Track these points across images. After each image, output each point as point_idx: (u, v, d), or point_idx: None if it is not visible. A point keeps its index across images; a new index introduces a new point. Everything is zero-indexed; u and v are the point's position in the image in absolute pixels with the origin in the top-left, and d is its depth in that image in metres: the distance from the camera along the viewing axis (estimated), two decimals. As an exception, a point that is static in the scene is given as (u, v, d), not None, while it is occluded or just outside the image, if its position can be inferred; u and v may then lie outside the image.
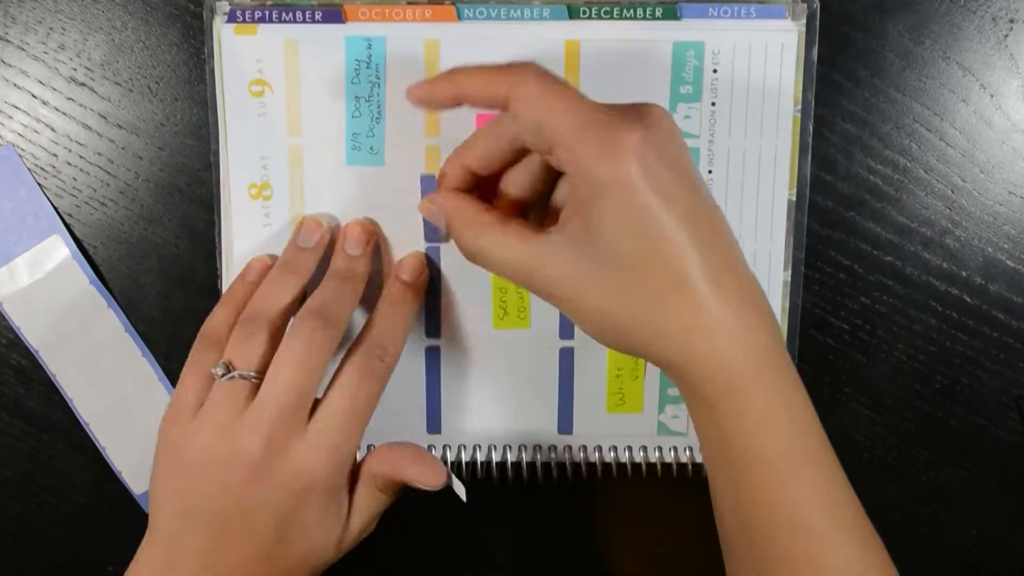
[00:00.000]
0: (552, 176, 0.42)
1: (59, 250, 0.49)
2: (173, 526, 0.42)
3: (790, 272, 0.48)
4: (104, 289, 0.49)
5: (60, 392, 0.50)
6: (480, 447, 0.49)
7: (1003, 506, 0.52)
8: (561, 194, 0.42)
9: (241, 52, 0.45)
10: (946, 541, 0.52)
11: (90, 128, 0.48)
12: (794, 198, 0.47)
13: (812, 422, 0.39)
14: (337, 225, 0.47)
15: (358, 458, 0.44)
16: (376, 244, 0.47)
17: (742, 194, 0.47)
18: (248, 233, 0.47)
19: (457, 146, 0.42)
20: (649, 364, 0.48)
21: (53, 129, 0.48)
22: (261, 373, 0.41)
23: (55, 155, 0.48)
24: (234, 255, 0.47)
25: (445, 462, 0.50)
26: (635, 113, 0.38)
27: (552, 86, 0.37)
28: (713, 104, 0.46)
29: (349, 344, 0.44)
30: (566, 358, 0.49)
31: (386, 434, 0.49)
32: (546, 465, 0.50)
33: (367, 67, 0.45)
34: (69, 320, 0.49)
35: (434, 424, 0.49)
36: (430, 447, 0.49)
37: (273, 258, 0.47)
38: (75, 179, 0.49)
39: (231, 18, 0.45)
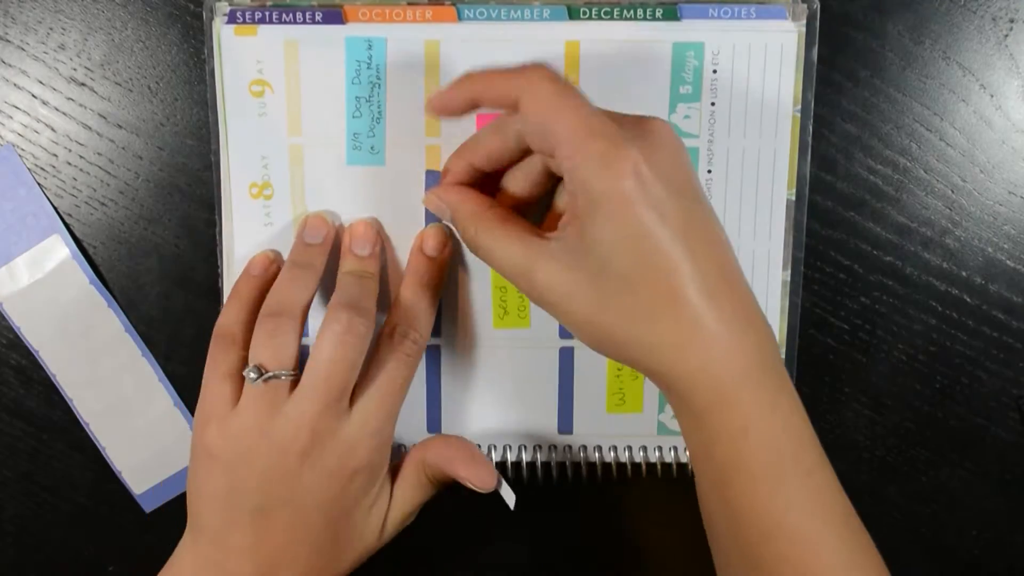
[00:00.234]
0: (552, 179, 0.42)
1: (59, 250, 0.49)
2: (216, 525, 0.42)
3: (789, 272, 0.48)
4: (104, 289, 0.49)
5: (60, 392, 0.50)
6: (480, 447, 0.49)
7: (1003, 506, 0.52)
8: (562, 200, 0.42)
9: (241, 53, 0.45)
10: (946, 541, 0.52)
11: (90, 128, 0.48)
12: (794, 198, 0.47)
13: (803, 431, 0.39)
14: (341, 224, 0.47)
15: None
16: (383, 243, 0.47)
17: (741, 194, 0.47)
18: (249, 233, 0.47)
19: (463, 143, 0.43)
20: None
21: (53, 129, 0.48)
22: (294, 370, 0.42)
23: (55, 155, 0.48)
24: (235, 255, 0.47)
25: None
26: (638, 127, 0.38)
27: (562, 90, 0.38)
28: (713, 104, 0.46)
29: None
30: (566, 358, 0.49)
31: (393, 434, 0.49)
32: (546, 465, 0.50)
33: (367, 67, 0.46)
34: (69, 320, 0.49)
35: (434, 424, 0.49)
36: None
37: (276, 253, 0.47)
38: (75, 179, 0.49)
39: (231, 19, 0.45)
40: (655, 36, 0.45)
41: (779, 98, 0.46)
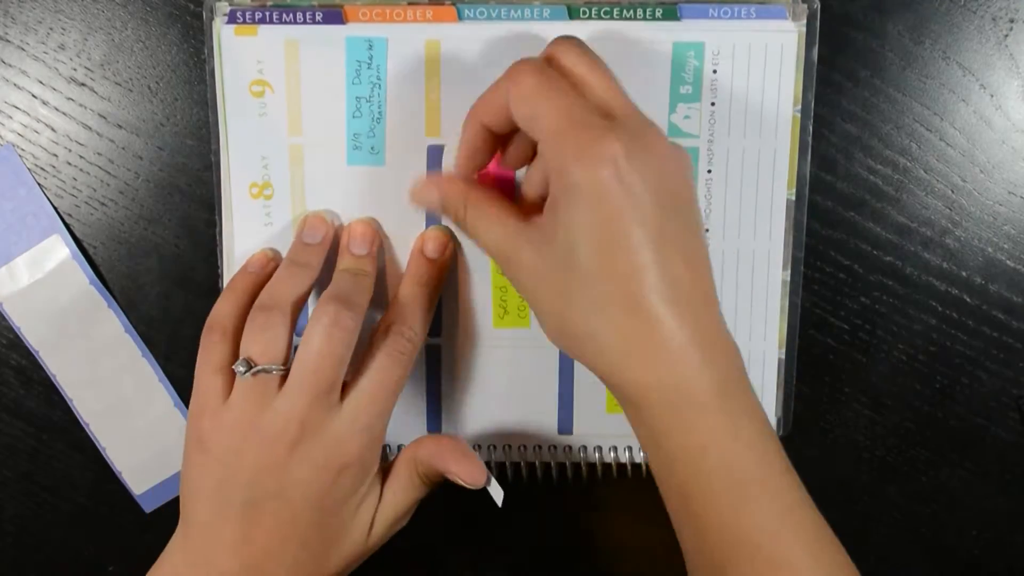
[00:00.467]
0: None
1: (59, 250, 0.49)
2: (206, 520, 0.42)
3: (789, 272, 0.48)
4: (104, 289, 0.49)
5: (60, 392, 0.50)
6: (480, 447, 0.49)
7: (1003, 506, 0.52)
8: (534, 185, 0.43)
9: (241, 53, 0.45)
10: (946, 541, 0.52)
11: (90, 128, 0.48)
12: (793, 198, 0.47)
13: (770, 454, 0.39)
14: (340, 224, 0.47)
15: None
16: (380, 243, 0.47)
17: (741, 194, 0.47)
18: (249, 232, 0.47)
19: (472, 105, 0.42)
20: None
21: (53, 129, 0.48)
22: (283, 364, 0.42)
23: (55, 155, 0.48)
24: (235, 255, 0.47)
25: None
26: (624, 122, 0.38)
27: (547, 82, 0.38)
28: (713, 104, 0.46)
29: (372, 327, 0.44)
30: (566, 358, 0.49)
31: (387, 434, 0.49)
32: (546, 465, 0.50)
33: (368, 68, 0.45)
34: (69, 320, 0.49)
35: (434, 424, 0.49)
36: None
37: (275, 252, 0.47)
38: (75, 179, 0.49)
39: (231, 19, 0.45)
40: (655, 36, 0.45)
41: (779, 98, 0.46)
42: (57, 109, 0.48)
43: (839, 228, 0.49)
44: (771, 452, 0.39)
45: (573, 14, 0.45)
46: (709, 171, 0.47)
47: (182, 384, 0.50)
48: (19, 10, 0.47)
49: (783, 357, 0.48)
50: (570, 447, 0.50)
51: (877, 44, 0.48)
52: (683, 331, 0.37)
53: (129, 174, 0.49)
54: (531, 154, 0.43)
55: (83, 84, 0.48)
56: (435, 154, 0.46)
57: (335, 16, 0.45)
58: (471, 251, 0.47)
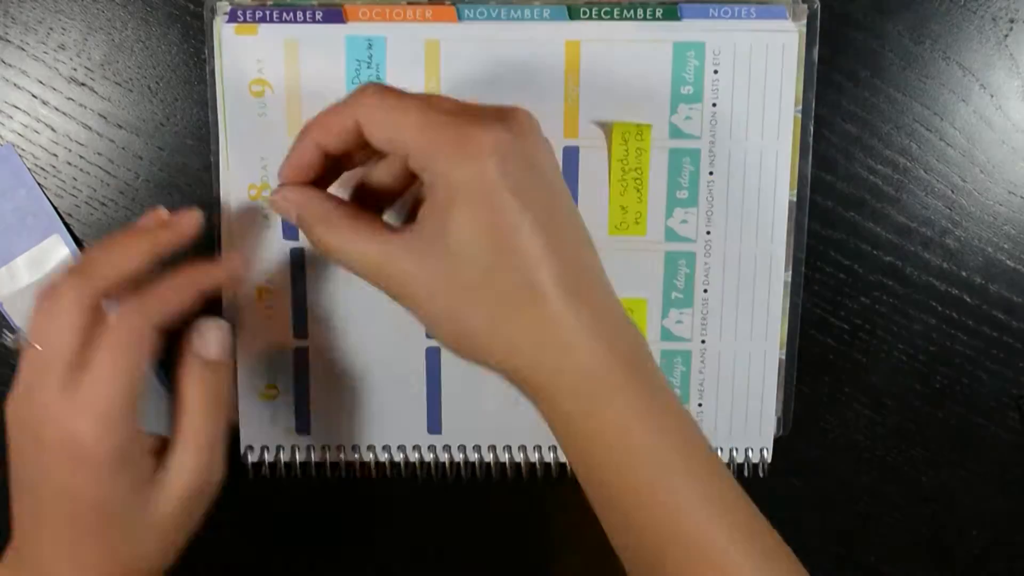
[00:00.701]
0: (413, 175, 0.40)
1: (59, 250, 0.49)
2: (11, 502, 0.41)
3: (791, 273, 0.48)
4: (104, 289, 0.49)
5: (60, 392, 0.50)
6: (481, 447, 0.49)
7: (1003, 506, 0.52)
8: (421, 194, 0.40)
9: (241, 52, 0.45)
10: (946, 541, 0.52)
11: (90, 128, 0.48)
12: (795, 199, 0.47)
13: (679, 430, 0.38)
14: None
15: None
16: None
17: (743, 195, 0.47)
18: (248, 233, 0.47)
19: (309, 121, 0.40)
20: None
21: (53, 129, 0.48)
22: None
23: (55, 155, 0.48)
24: (234, 255, 0.47)
25: (445, 462, 0.50)
26: (495, 114, 0.37)
27: (393, 101, 0.37)
28: (714, 105, 0.46)
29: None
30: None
31: (386, 434, 0.49)
32: (547, 466, 0.50)
33: (367, 67, 0.45)
34: (69, 320, 0.49)
35: (434, 424, 0.49)
36: (430, 447, 0.49)
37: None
38: (75, 179, 0.49)
39: (231, 18, 0.45)
40: (655, 36, 0.45)
41: (780, 99, 0.46)
42: (57, 109, 0.48)
43: (839, 228, 0.49)
44: (685, 430, 0.38)
45: (573, 14, 0.45)
46: (711, 172, 0.46)
47: (182, 384, 0.50)
48: (19, 10, 0.47)
49: (783, 357, 0.48)
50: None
51: (877, 44, 0.48)
52: (587, 316, 0.37)
53: (129, 174, 0.49)
54: (401, 175, 0.41)
55: (83, 84, 0.48)
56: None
57: (335, 15, 0.45)
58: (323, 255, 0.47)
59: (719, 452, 0.49)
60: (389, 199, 0.42)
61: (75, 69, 0.48)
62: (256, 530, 0.52)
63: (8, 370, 0.50)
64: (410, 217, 0.42)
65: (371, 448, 0.49)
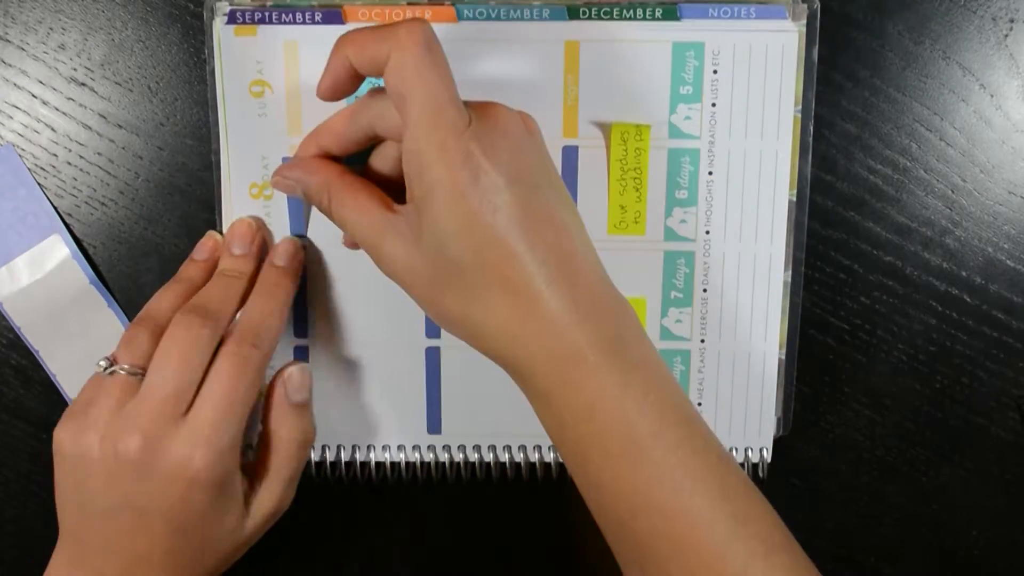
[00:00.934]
0: None
1: (59, 250, 0.49)
2: (75, 523, 0.42)
3: (791, 273, 0.48)
4: (104, 289, 0.49)
5: (60, 392, 0.50)
6: (481, 447, 0.49)
7: (1003, 506, 0.52)
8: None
9: (241, 53, 0.45)
10: (946, 541, 0.52)
11: (90, 128, 0.48)
12: (795, 199, 0.47)
13: (665, 408, 0.38)
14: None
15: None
16: (263, 241, 0.47)
17: (743, 195, 0.47)
18: (248, 233, 0.47)
19: (315, 128, 0.43)
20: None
21: (53, 129, 0.48)
22: (142, 368, 0.41)
23: (55, 155, 0.48)
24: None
25: (445, 462, 0.50)
26: (480, 113, 0.38)
27: (430, 59, 0.37)
28: (713, 105, 0.46)
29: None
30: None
31: (386, 434, 0.49)
32: (547, 466, 0.50)
33: (367, 67, 0.45)
34: (69, 320, 0.49)
35: (434, 424, 0.49)
36: (430, 447, 0.49)
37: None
38: (75, 179, 0.49)
39: (231, 19, 0.45)
40: (655, 36, 0.45)
41: (780, 99, 0.46)
42: (57, 109, 0.48)
43: (839, 228, 0.49)
44: (667, 404, 0.39)
45: (573, 14, 0.45)
46: (710, 172, 0.46)
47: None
48: (19, 10, 0.47)
49: (783, 357, 0.48)
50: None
51: (877, 44, 0.48)
52: (563, 301, 0.38)
53: (129, 174, 0.49)
54: (398, 164, 0.42)
55: (83, 84, 0.48)
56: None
57: (334, 16, 0.45)
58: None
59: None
60: (390, 184, 0.43)
61: (75, 69, 0.48)
62: (256, 530, 0.52)
63: (8, 370, 0.50)
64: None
65: (371, 448, 0.49)
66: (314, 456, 0.49)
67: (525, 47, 0.45)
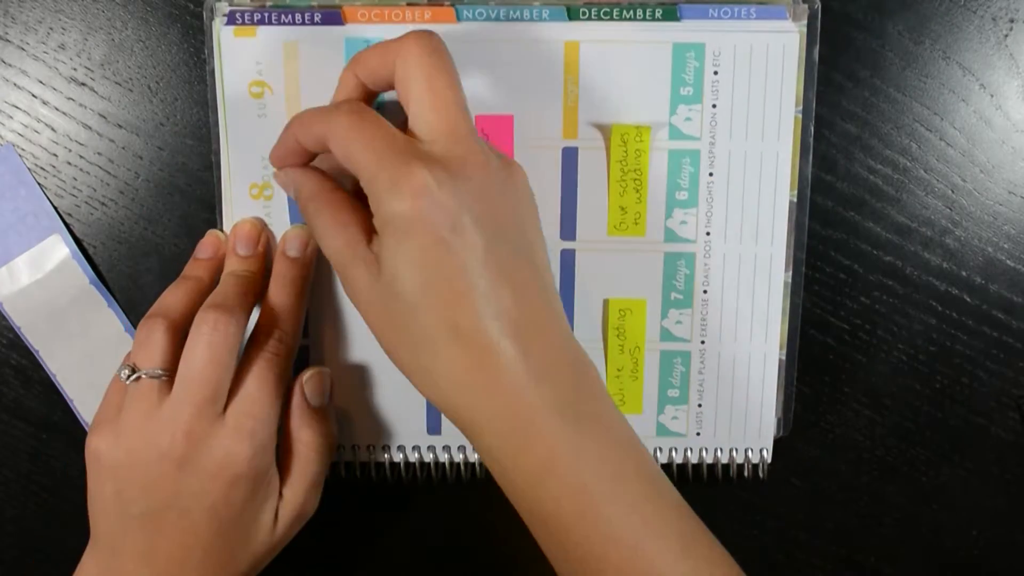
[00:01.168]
0: None
1: (59, 250, 0.49)
2: (111, 531, 0.43)
3: (791, 273, 0.48)
4: (104, 289, 0.49)
5: (60, 392, 0.50)
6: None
7: (1003, 506, 0.52)
8: None
9: (241, 54, 0.45)
10: (946, 541, 0.52)
11: (90, 128, 0.48)
12: (795, 199, 0.47)
13: (621, 468, 0.38)
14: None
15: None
16: (268, 241, 0.47)
17: (743, 196, 0.47)
18: (248, 233, 0.47)
19: (353, 56, 0.42)
20: (648, 365, 0.48)
21: (53, 129, 0.48)
22: (166, 369, 0.42)
23: (55, 155, 0.48)
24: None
25: (445, 462, 0.50)
26: (440, 149, 0.37)
27: (359, 122, 0.38)
28: (714, 106, 0.46)
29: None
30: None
31: (386, 434, 0.49)
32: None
33: (367, 68, 0.45)
34: (69, 320, 0.49)
35: (434, 424, 0.49)
36: (430, 447, 0.49)
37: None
38: (75, 179, 0.49)
39: (231, 20, 0.45)
40: (655, 37, 0.45)
41: (781, 99, 0.46)
42: (57, 109, 0.48)
43: (839, 228, 0.49)
44: (626, 465, 0.38)
45: (573, 15, 0.45)
46: (711, 173, 0.46)
47: (182, 384, 0.50)
48: (19, 10, 0.47)
49: (783, 358, 0.48)
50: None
51: (877, 44, 0.48)
52: (518, 356, 0.37)
53: (129, 174, 0.49)
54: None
55: (83, 84, 0.48)
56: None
57: (334, 17, 0.45)
58: None
59: (719, 453, 0.49)
60: None
61: (75, 69, 0.48)
62: (256, 530, 0.52)
63: (8, 370, 0.50)
64: None
65: (371, 448, 0.49)
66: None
67: (525, 48, 0.45)
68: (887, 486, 0.52)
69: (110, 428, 0.42)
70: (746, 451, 0.49)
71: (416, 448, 0.49)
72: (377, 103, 0.45)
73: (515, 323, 0.37)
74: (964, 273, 0.50)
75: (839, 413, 0.51)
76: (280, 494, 0.44)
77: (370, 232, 0.39)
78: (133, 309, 0.50)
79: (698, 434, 0.49)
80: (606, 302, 0.48)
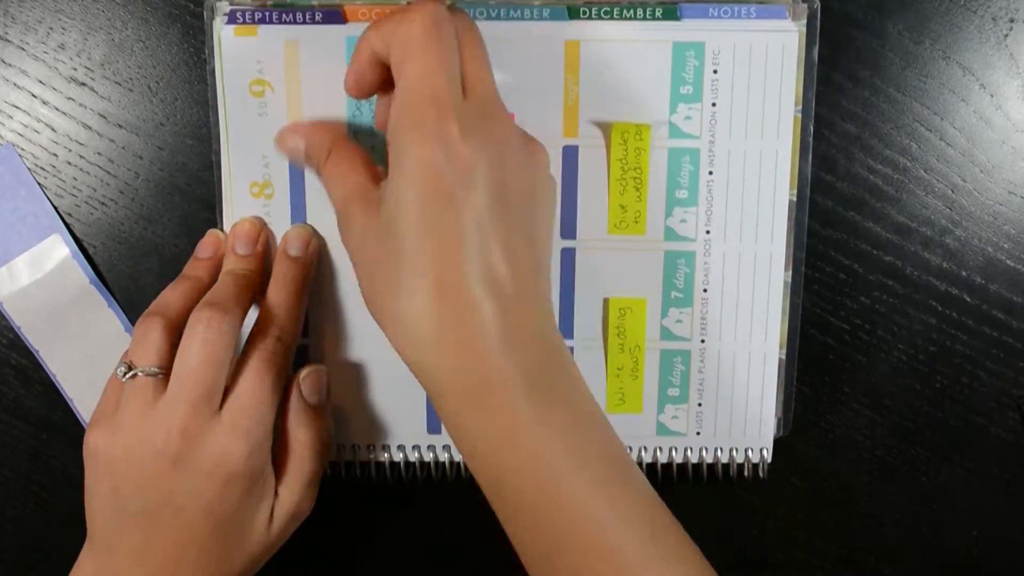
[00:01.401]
0: None
1: (59, 250, 0.49)
2: (107, 528, 0.43)
3: (791, 272, 0.48)
4: (104, 289, 0.49)
5: (60, 392, 0.50)
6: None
7: (1003, 506, 0.52)
8: None
9: (241, 53, 0.45)
10: (946, 541, 0.52)
11: (90, 128, 0.48)
12: (795, 199, 0.47)
13: (587, 445, 0.38)
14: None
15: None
16: (267, 240, 0.47)
17: (743, 195, 0.47)
18: (248, 233, 0.47)
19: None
20: (648, 364, 0.48)
21: (53, 129, 0.48)
22: (162, 367, 0.42)
23: (55, 155, 0.48)
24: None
25: (445, 462, 0.50)
26: (479, 108, 0.37)
27: (436, 34, 0.37)
28: (714, 105, 0.46)
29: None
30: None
31: (386, 434, 0.49)
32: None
33: (367, 67, 0.45)
34: (69, 320, 0.49)
35: (434, 424, 0.49)
36: (430, 447, 0.49)
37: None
38: (75, 179, 0.49)
39: (231, 19, 0.45)
40: (655, 36, 0.45)
41: (780, 98, 0.46)
42: (57, 109, 0.48)
43: (839, 228, 0.49)
44: (591, 442, 0.38)
45: (573, 14, 0.45)
46: (711, 172, 0.46)
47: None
48: (19, 10, 0.47)
49: (783, 357, 0.48)
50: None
51: (877, 44, 0.48)
52: (493, 322, 0.36)
53: (129, 174, 0.49)
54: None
55: (83, 84, 0.48)
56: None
57: (335, 16, 0.45)
58: None
59: (719, 452, 0.49)
60: None
61: (75, 69, 0.48)
62: (256, 530, 0.52)
63: (8, 370, 0.50)
64: None
65: (371, 448, 0.49)
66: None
67: (525, 47, 0.45)
68: (887, 486, 0.52)
69: (107, 425, 0.42)
70: (746, 451, 0.49)
71: (416, 447, 0.49)
72: None
73: (499, 289, 0.37)
74: (964, 273, 0.50)
75: (839, 413, 0.51)
76: (276, 493, 0.44)
77: (379, 176, 0.40)
78: (133, 309, 0.50)
79: (698, 433, 0.49)
80: (606, 301, 0.48)
